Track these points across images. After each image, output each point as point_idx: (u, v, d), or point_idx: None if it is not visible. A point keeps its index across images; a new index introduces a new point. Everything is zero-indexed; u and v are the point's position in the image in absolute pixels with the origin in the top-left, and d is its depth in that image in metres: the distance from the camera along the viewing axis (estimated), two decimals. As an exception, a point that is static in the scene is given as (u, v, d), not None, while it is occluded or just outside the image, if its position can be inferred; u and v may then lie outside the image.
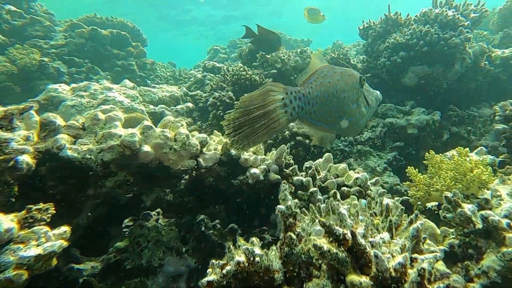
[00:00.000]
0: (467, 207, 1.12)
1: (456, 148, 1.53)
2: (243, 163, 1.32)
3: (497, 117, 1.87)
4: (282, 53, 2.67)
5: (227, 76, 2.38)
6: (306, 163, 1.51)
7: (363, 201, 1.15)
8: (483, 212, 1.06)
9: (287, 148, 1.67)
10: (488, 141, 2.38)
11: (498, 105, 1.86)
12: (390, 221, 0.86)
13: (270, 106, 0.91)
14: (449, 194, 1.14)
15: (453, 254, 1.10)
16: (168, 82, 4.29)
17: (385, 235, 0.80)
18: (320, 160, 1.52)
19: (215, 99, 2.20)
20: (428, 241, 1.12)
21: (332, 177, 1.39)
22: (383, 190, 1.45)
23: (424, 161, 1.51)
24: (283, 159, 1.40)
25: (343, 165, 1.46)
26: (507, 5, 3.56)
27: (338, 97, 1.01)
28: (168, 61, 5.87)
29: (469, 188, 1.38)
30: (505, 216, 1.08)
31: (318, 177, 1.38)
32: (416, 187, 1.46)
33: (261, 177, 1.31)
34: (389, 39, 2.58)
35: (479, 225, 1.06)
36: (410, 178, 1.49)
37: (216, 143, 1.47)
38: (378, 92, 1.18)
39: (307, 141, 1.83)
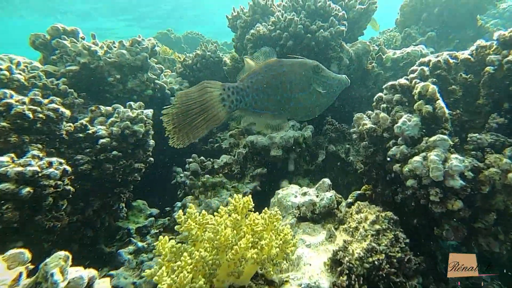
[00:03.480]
0: None
1: (231, 199, 0.98)
2: None
3: (353, 135, 1.43)
4: (100, 42, 1.94)
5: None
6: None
7: None
8: None
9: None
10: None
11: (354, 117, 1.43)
12: None
13: (208, 102, 1.06)
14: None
15: None
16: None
17: None
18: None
19: None
20: None
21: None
22: None
23: (175, 227, 0.90)
24: None
25: None
26: (407, 1, 3.47)
27: (283, 88, 1.18)
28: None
29: (241, 274, 0.81)
30: None
31: None
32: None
33: None
34: (251, 30, 2.07)
35: None
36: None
37: None
38: (343, 76, 1.26)
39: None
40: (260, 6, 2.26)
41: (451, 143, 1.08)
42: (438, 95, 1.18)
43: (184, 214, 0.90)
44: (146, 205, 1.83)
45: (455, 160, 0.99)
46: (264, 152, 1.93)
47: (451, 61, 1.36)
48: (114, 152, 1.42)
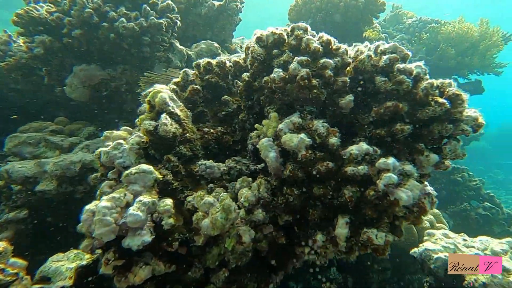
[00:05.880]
0: None
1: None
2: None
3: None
4: None
5: None
6: None
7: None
8: None
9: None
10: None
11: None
12: None
13: None
14: None
15: None
16: None
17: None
18: None
19: None
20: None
21: None
22: None
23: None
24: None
25: None
26: (293, 5, 3.51)
27: None
28: None
29: None
30: None
31: None
32: None
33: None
34: (18, 10, 1.62)
35: None
36: None
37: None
38: None
39: None
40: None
41: (159, 176, 0.80)
42: (170, 107, 0.92)
43: None
44: None
45: (135, 207, 0.70)
46: (29, 186, 1.45)
47: (228, 64, 1.16)
48: None
